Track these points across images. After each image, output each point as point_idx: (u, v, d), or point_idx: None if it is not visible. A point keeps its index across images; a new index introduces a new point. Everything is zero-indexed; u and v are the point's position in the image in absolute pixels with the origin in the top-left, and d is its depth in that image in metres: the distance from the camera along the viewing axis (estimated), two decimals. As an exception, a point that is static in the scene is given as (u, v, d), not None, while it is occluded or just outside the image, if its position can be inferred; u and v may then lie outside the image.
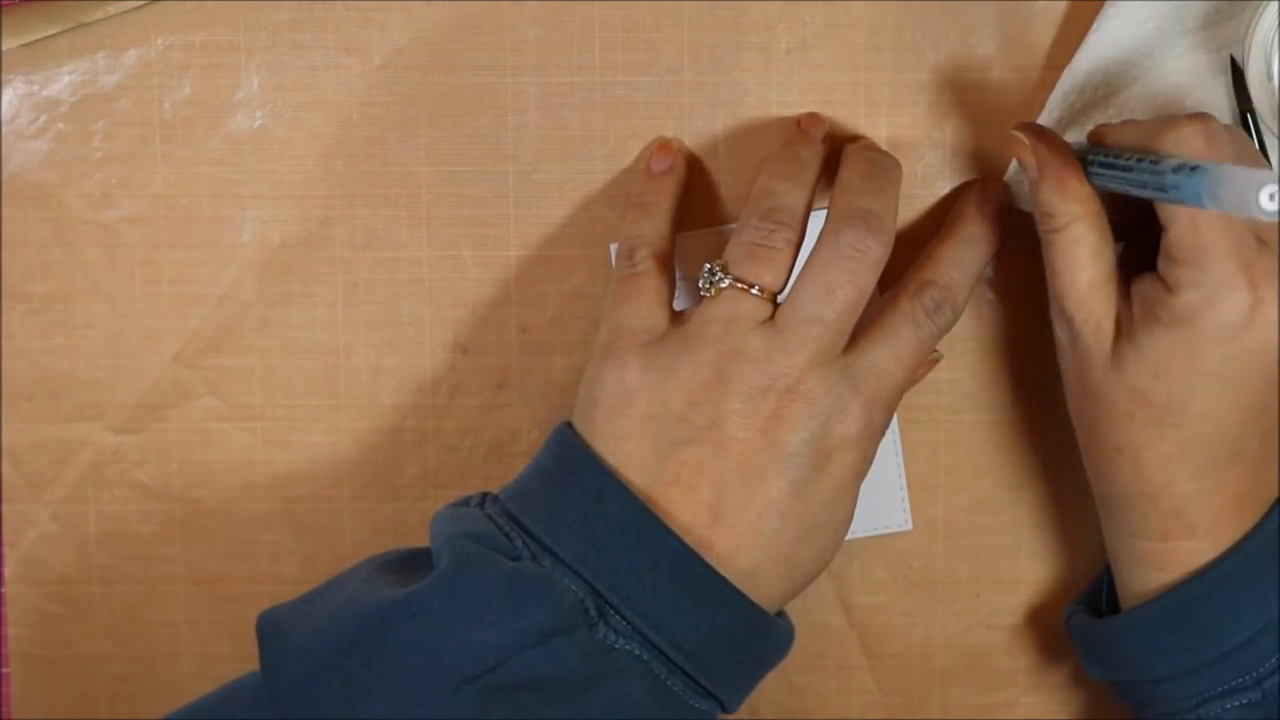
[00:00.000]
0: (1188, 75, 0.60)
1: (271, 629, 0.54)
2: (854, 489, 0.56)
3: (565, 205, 0.62)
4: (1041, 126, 0.57)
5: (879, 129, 0.61)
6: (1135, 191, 0.52)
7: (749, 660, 0.56)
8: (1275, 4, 0.56)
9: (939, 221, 0.60)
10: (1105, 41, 0.58)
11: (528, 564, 0.53)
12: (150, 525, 0.64)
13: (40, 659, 0.65)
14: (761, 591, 0.55)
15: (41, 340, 0.63)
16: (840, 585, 0.65)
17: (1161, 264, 0.54)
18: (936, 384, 0.63)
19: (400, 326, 0.63)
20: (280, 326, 0.63)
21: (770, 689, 0.64)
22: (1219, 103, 0.60)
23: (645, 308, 0.56)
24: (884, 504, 0.64)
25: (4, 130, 0.61)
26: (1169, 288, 0.53)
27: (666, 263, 0.58)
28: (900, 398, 0.57)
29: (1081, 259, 0.55)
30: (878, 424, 0.56)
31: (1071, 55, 0.59)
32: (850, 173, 0.56)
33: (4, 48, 0.61)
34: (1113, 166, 0.53)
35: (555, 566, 0.53)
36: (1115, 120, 0.60)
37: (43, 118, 0.61)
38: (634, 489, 0.54)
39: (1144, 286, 0.54)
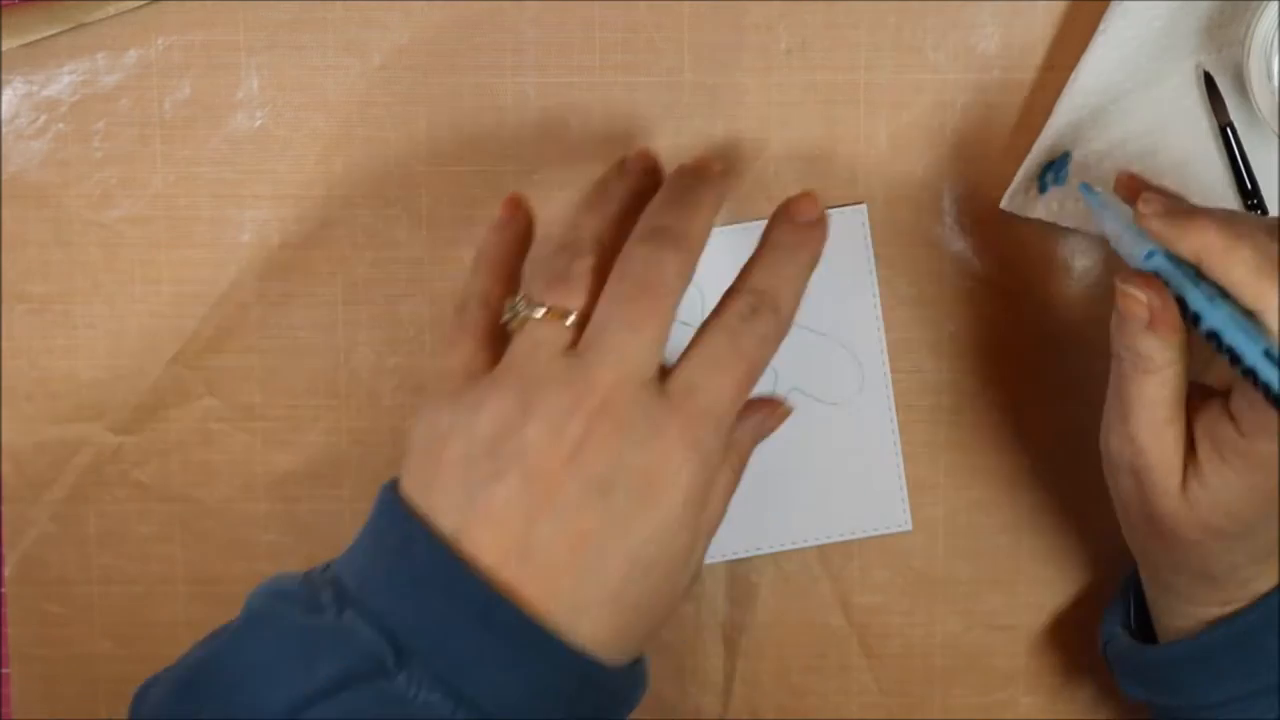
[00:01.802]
0: (1191, 76, 0.60)
1: (139, 696, 0.54)
2: (691, 522, 0.52)
3: (565, 205, 0.62)
4: (1150, 275, 0.53)
5: (879, 129, 0.61)
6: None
7: (581, 713, 0.51)
8: (1275, 4, 0.56)
9: None
10: (1113, 41, 0.58)
11: (324, 617, 0.51)
12: (150, 525, 0.64)
13: (40, 659, 0.65)
14: (586, 634, 0.50)
15: (41, 340, 0.63)
16: (840, 585, 0.65)
17: (1234, 400, 0.53)
18: (937, 384, 0.63)
19: (400, 326, 0.63)
20: (280, 326, 0.63)
21: (770, 689, 0.65)
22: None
23: (466, 353, 0.54)
24: (884, 504, 0.64)
25: (4, 130, 0.61)
26: (1240, 430, 0.52)
27: (497, 311, 0.55)
28: (733, 415, 0.53)
29: (1166, 399, 0.54)
30: (708, 446, 0.51)
31: (1071, 55, 0.59)
32: (659, 194, 0.55)
33: (4, 48, 0.61)
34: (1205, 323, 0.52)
35: (358, 618, 0.51)
36: (1121, 122, 0.60)
37: (43, 118, 0.61)
38: (443, 533, 0.51)
39: (1211, 421, 0.54)
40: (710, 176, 0.55)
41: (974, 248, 0.62)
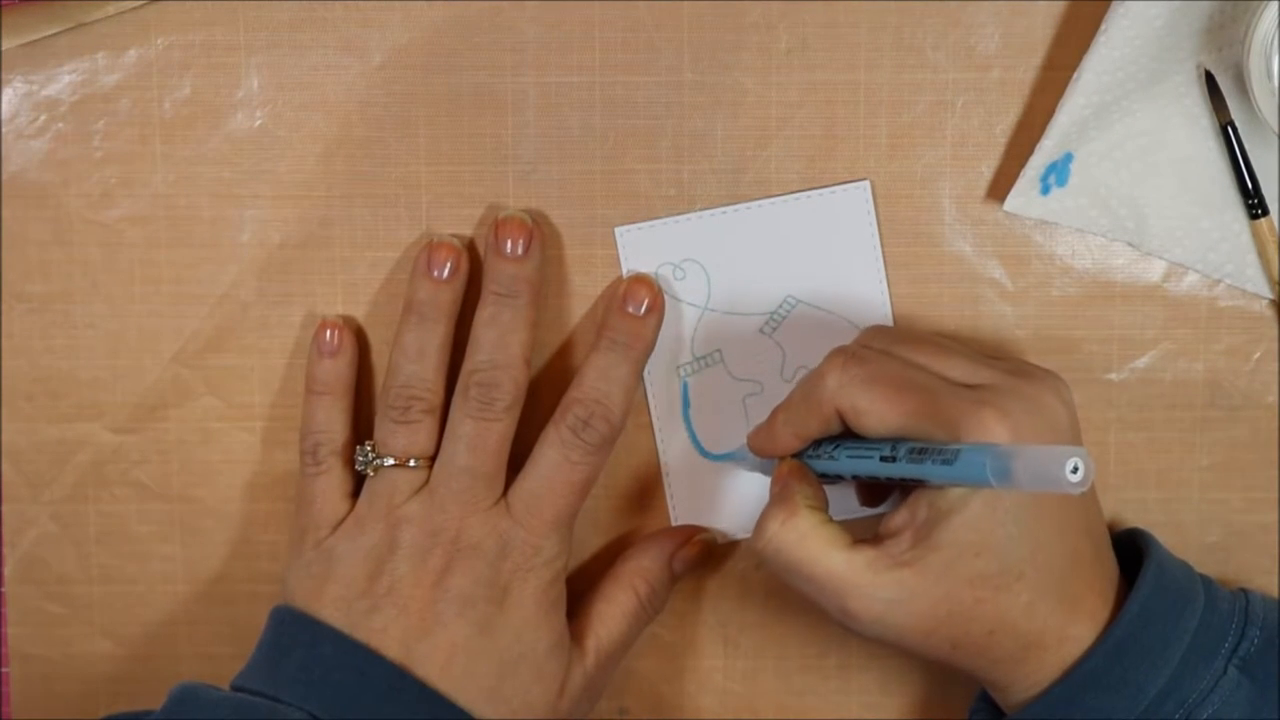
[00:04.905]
0: (1192, 75, 0.60)
1: None
2: (546, 618, 0.58)
3: (565, 205, 0.62)
4: (783, 463, 0.58)
5: (879, 129, 0.61)
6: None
7: None
8: (1275, 4, 0.56)
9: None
10: (1114, 41, 0.58)
11: (248, 699, 0.57)
12: (150, 525, 0.64)
13: (40, 659, 0.65)
14: None
15: (41, 340, 0.63)
16: (840, 585, 0.64)
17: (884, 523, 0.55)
18: (936, 384, 0.63)
19: (400, 326, 0.63)
20: (280, 326, 0.63)
21: (770, 689, 0.65)
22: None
23: (328, 507, 0.60)
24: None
25: (4, 130, 0.61)
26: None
27: (347, 454, 0.61)
28: (573, 516, 0.59)
29: (823, 531, 0.55)
30: (551, 550, 0.59)
31: (1071, 55, 0.59)
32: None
33: (4, 48, 0.61)
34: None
35: (277, 705, 0.56)
36: (1122, 121, 0.60)
37: (43, 118, 0.61)
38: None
39: (909, 509, 0.54)
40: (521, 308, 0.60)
41: (974, 248, 0.62)
